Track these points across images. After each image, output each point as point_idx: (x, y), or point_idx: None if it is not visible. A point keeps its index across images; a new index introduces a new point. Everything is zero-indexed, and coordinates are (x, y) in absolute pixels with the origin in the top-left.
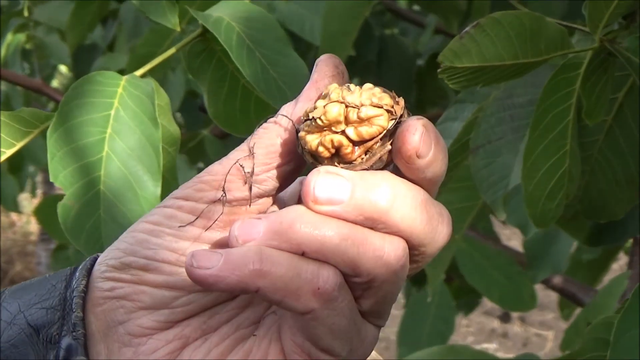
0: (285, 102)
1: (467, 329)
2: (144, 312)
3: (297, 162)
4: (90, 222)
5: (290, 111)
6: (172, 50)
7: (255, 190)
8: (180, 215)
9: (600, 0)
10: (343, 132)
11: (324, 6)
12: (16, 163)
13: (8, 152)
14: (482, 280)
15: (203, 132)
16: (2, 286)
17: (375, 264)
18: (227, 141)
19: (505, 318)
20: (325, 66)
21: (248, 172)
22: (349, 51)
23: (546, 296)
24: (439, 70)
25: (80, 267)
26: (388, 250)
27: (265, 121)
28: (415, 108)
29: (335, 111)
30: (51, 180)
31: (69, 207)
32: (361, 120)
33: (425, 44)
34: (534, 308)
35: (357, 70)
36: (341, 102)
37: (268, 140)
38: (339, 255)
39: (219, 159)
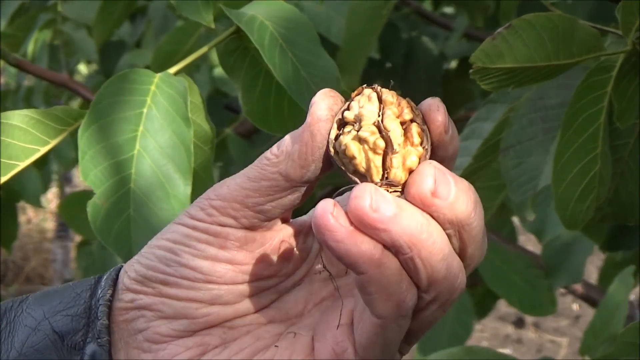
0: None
1: (482, 334)
2: (163, 321)
3: (300, 192)
4: (119, 221)
5: (297, 151)
6: (205, 49)
7: (259, 217)
8: (196, 235)
9: (635, 1)
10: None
11: (345, 4)
12: (42, 158)
13: (42, 150)
14: (502, 284)
15: (226, 130)
16: (16, 282)
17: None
18: (251, 140)
19: (519, 324)
20: (320, 111)
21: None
22: (370, 52)
23: (561, 303)
24: (470, 71)
25: (105, 277)
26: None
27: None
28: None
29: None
30: (82, 179)
31: (99, 206)
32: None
33: (452, 47)
34: (553, 313)
35: (383, 73)
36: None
37: (271, 174)
38: (437, 272)
39: (242, 157)
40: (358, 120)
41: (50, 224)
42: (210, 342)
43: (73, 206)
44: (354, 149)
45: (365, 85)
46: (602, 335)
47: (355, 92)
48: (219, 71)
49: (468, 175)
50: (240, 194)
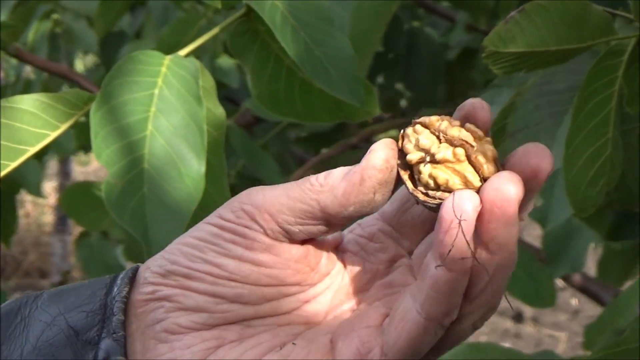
0: (330, 84)
1: (480, 329)
2: (182, 313)
3: (331, 227)
4: (134, 200)
5: (342, 189)
6: (215, 30)
7: (284, 234)
8: (223, 235)
9: None
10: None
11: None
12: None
13: (53, 135)
14: None
15: (228, 122)
16: (15, 276)
17: None
18: (251, 131)
19: (518, 318)
20: (376, 160)
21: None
22: (376, 47)
23: (559, 297)
24: (483, 55)
25: (121, 275)
26: None
27: (311, 178)
28: (445, 100)
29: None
30: (95, 158)
31: (113, 184)
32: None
33: (455, 39)
34: (552, 305)
35: (385, 63)
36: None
37: (310, 199)
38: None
39: (242, 148)
40: (424, 151)
41: (48, 218)
42: (227, 337)
43: (73, 197)
44: (442, 174)
45: (402, 129)
46: (608, 332)
47: (399, 136)
48: (219, 62)
49: None
50: (274, 207)
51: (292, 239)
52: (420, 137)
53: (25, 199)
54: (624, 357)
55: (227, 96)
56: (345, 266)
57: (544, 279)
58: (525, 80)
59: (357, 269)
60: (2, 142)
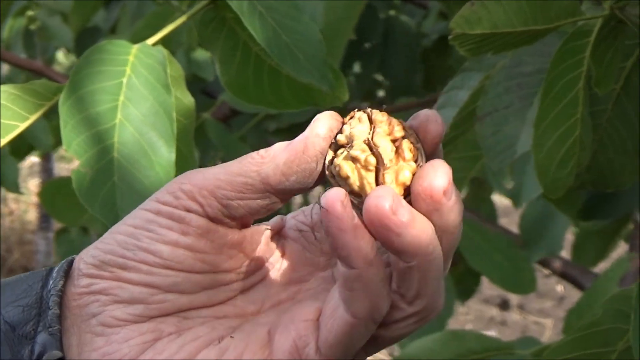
0: (299, 69)
1: (466, 317)
2: (118, 305)
3: (270, 201)
4: (105, 188)
5: (284, 157)
6: (183, 19)
7: (224, 211)
8: (158, 220)
9: None
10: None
11: None
12: (19, 145)
13: (22, 126)
14: (483, 262)
15: (205, 115)
16: (1, 274)
17: None
18: (228, 124)
19: (504, 306)
20: (320, 128)
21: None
22: (349, 35)
23: (545, 284)
24: (449, 37)
25: (57, 268)
26: None
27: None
28: (424, 88)
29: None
30: (64, 148)
31: (83, 173)
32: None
33: (430, 26)
34: (533, 291)
35: (362, 52)
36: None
37: (250, 172)
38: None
39: (220, 141)
40: (350, 140)
41: (32, 216)
42: (165, 329)
43: (52, 193)
44: (347, 168)
45: (356, 109)
46: (587, 316)
47: (348, 116)
48: (195, 56)
49: (445, 144)
50: (213, 183)
51: (232, 216)
52: (359, 126)
53: (9, 197)
54: (597, 339)
55: (204, 89)
56: (285, 254)
57: (523, 265)
58: (495, 63)
59: (296, 258)
60: None
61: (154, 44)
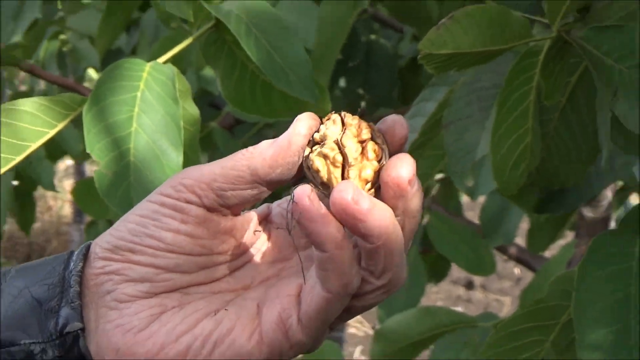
0: (289, 85)
1: (437, 295)
2: (129, 284)
3: (259, 191)
4: (122, 187)
5: (271, 153)
6: (189, 40)
7: (219, 200)
8: (162, 210)
9: None
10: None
11: (314, 13)
12: (53, 149)
13: (51, 132)
14: (451, 250)
15: (212, 124)
16: None
17: None
18: (232, 132)
19: (469, 286)
20: (300, 127)
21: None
22: (337, 55)
23: (504, 267)
24: (418, 56)
25: (76, 252)
26: None
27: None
28: (400, 101)
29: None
30: (87, 151)
31: (104, 174)
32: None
33: (405, 48)
34: (493, 273)
35: (348, 70)
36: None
37: (241, 166)
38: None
39: (225, 147)
40: (323, 139)
41: (67, 211)
42: (169, 304)
43: (83, 191)
44: (319, 163)
45: (333, 111)
46: (538, 294)
47: (325, 117)
48: (204, 73)
49: (415, 148)
50: (209, 177)
51: (226, 205)
52: (332, 127)
53: (48, 195)
54: (544, 313)
55: (211, 102)
56: (270, 237)
57: (484, 251)
58: (458, 79)
59: (280, 240)
60: (5, 139)
61: (165, 62)
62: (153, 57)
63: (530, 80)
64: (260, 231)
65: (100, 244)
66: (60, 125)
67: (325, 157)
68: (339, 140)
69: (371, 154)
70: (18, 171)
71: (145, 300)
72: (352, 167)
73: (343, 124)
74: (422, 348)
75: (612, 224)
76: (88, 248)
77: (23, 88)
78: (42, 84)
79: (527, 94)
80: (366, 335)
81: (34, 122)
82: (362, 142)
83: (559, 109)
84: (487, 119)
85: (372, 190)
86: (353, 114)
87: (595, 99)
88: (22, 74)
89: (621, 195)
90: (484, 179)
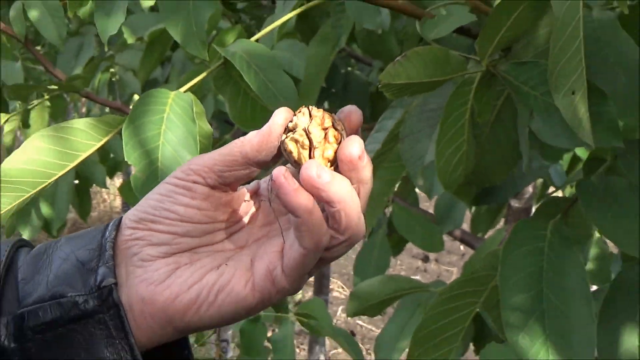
0: (279, 107)
1: (400, 267)
2: (151, 247)
3: (250, 170)
4: (152, 187)
5: (257, 140)
6: (204, 74)
7: (219, 180)
8: (176, 190)
9: (486, 39)
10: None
11: (304, 52)
12: (104, 155)
13: (97, 145)
14: (410, 232)
15: (226, 136)
16: None
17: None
18: None
19: (425, 259)
20: (278, 118)
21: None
22: (321, 83)
23: (452, 245)
24: (379, 85)
25: (111, 224)
26: None
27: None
28: (370, 118)
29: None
30: (126, 159)
31: (139, 177)
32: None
33: (374, 78)
34: (442, 250)
35: (329, 96)
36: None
37: (235, 152)
38: (353, 221)
39: None
40: (295, 127)
41: (118, 203)
42: (182, 261)
43: (128, 188)
44: (292, 146)
45: (303, 106)
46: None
47: (297, 110)
48: (219, 97)
49: (378, 156)
50: (211, 162)
51: (225, 183)
52: (302, 117)
53: (102, 190)
54: (477, 280)
55: (226, 119)
56: (260, 206)
57: (436, 234)
58: (411, 102)
59: (267, 208)
60: (62, 149)
61: (185, 91)
62: (180, 85)
63: (465, 103)
64: (251, 202)
65: (129, 217)
66: (105, 139)
67: (296, 141)
68: (307, 128)
69: (332, 138)
70: (77, 172)
71: (164, 260)
72: (316, 149)
73: (310, 115)
74: (386, 306)
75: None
76: (120, 221)
77: (83, 110)
78: (97, 107)
79: (463, 113)
80: (347, 298)
81: (85, 136)
82: (325, 129)
83: (489, 125)
84: (433, 133)
85: (333, 166)
86: (318, 108)
87: (516, 117)
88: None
89: (543, 190)
90: (438, 183)
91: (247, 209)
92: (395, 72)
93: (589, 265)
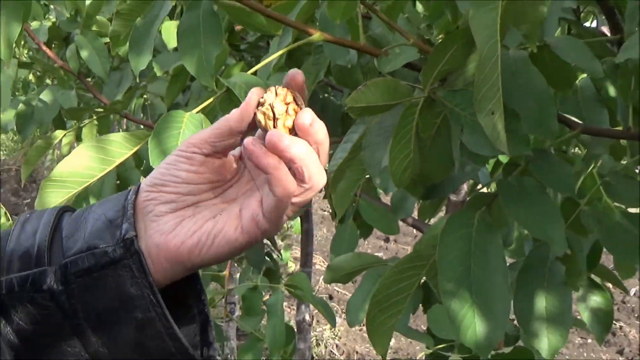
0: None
1: (367, 246)
2: (162, 205)
3: (236, 139)
4: None
5: (238, 113)
6: (210, 100)
7: (212, 149)
8: (179, 159)
9: (427, 72)
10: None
11: None
12: (139, 162)
13: (129, 153)
14: (373, 219)
15: None
16: None
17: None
18: None
19: (387, 240)
20: (252, 95)
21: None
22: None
23: (407, 230)
24: (345, 108)
25: (132, 189)
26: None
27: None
28: (341, 133)
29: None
30: (152, 165)
31: None
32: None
33: (344, 102)
34: (398, 233)
35: None
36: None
37: (223, 126)
38: (313, 172)
39: None
40: (264, 102)
41: None
42: (186, 214)
43: None
44: (261, 118)
45: (272, 86)
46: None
47: (267, 89)
48: None
49: (346, 161)
50: (206, 136)
51: (218, 151)
52: (270, 94)
53: None
54: (420, 257)
55: None
56: (245, 167)
57: (393, 221)
58: (371, 120)
59: (250, 169)
60: (101, 156)
61: (197, 112)
62: (193, 108)
63: (412, 121)
64: (238, 164)
65: (145, 182)
66: (135, 149)
67: (264, 114)
68: (272, 103)
69: (292, 112)
70: (118, 175)
71: (172, 214)
72: (278, 120)
73: (276, 93)
74: (355, 276)
75: None
76: (139, 187)
77: (124, 127)
78: (134, 125)
79: (410, 129)
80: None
81: (119, 147)
82: (287, 104)
83: (430, 138)
84: (387, 144)
85: (292, 133)
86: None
87: (450, 132)
88: (123, 119)
89: (473, 187)
90: (392, 182)
91: (235, 169)
92: (358, 98)
93: (513, 246)
